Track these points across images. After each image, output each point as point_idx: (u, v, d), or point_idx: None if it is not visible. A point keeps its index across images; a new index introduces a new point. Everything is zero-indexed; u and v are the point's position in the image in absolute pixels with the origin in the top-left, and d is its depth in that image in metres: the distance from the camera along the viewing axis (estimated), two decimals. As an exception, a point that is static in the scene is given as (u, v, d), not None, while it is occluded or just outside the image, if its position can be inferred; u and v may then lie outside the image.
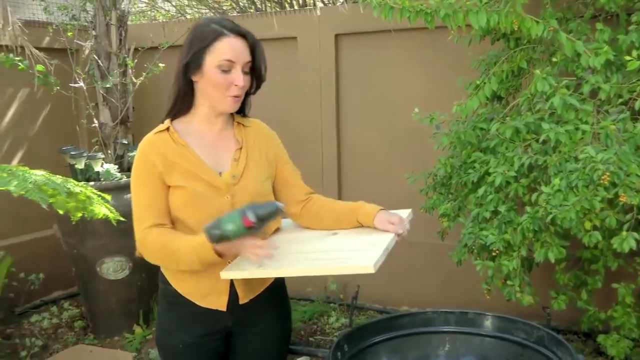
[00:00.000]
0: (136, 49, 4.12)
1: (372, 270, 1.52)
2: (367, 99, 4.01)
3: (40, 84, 3.68)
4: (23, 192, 2.37)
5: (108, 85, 3.92)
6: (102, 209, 2.76)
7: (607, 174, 2.00)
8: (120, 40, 4.01)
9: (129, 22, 4.18)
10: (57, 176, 2.65)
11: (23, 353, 3.54)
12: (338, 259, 1.68)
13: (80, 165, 3.70)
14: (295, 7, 5.85)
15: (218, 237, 1.58)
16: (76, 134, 4.38)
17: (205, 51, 1.71)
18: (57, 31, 4.11)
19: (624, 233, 2.07)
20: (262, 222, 1.58)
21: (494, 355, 2.05)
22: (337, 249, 1.75)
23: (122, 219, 2.83)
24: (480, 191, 2.48)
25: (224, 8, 6.46)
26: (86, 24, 4.14)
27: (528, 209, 2.29)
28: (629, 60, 2.22)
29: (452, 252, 2.73)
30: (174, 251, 1.69)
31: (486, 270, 2.46)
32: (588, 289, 2.76)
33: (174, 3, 6.84)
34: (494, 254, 2.44)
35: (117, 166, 3.86)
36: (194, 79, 1.76)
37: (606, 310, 2.74)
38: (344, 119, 4.10)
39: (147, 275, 3.71)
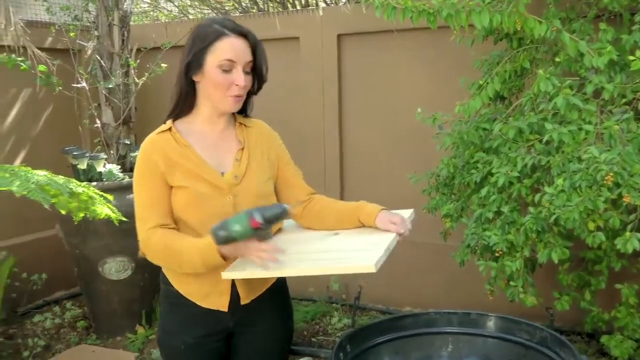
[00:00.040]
0: (138, 50, 4.12)
1: (373, 270, 1.51)
2: (369, 99, 4.00)
3: (42, 84, 3.68)
4: (25, 192, 2.37)
5: (110, 86, 3.92)
6: (104, 209, 2.76)
7: (611, 174, 1.99)
8: (123, 40, 4.01)
9: (131, 23, 4.18)
10: (60, 176, 2.65)
11: (25, 353, 3.55)
12: (339, 258, 1.67)
13: (82, 165, 3.71)
14: (298, 7, 5.86)
15: (224, 239, 1.57)
16: (79, 134, 4.38)
17: (206, 51, 1.71)
18: (60, 31, 4.11)
19: (628, 234, 2.06)
20: (268, 223, 1.57)
21: (496, 356, 2.04)
22: (339, 248, 1.75)
23: (124, 219, 2.84)
24: (483, 191, 2.47)
25: (227, 8, 6.47)
26: (89, 24, 4.15)
27: (531, 209, 2.28)
28: (633, 60, 2.21)
29: (455, 253, 2.72)
30: (178, 253, 1.68)
31: (489, 271, 2.46)
32: (591, 290, 2.75)
33: (176, 3, 6.85)
34: (497, 254, 2.44)
35: (119, 166, 3.86)
36: (196, 79, 1.76)
37: (610, 310, 2.73)
38: (347, 119, 4.10)
39: (150, 276, 3.71)
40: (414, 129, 3.34)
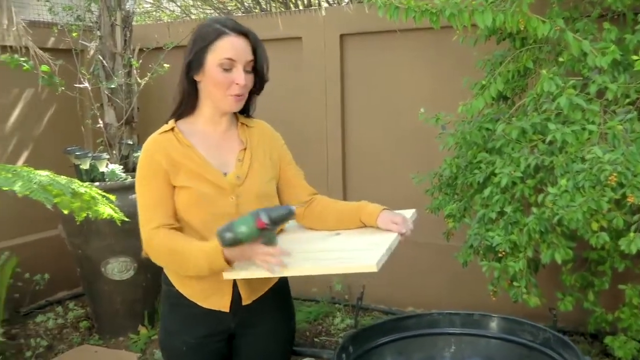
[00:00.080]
0: (141, 50, 4.12)
1: (374, 270, 1.51)
2: (372, 99, 4.00)
3: (44, 84, 3.68)
4: (28, 193, 2.37)
5: (113, 86, 3.92)
6: (107, 209, 2.76)
7: (615, 174, 1.98)
8: (125, 40, 4.01)
9: (133, 23, 4.18)
10: (62, 177, 2.65)
11: (28, 353, 3.55)
12: (341, 258, 1.67)
13: (85, 165, 3.71)
14: (300, 7, 5.85)
15: (231, 240, 1.56)
16: (81, 135, 4.39)
17: (207, 50, 1.71)
18: (62, 32, 4.11)
19: (632, 234, 2.05)
20: (274, 224, 1.56)
21: (499, 357, 2.04)
22: (340, 248, 1.74)
23: (126, 219, 2.83)
24: (486, 192, 2.47)
25: (229, 8, 6.46)
26: (91, 24, 4.15)
27: (534, 209, 2.27)
28: (636, 60, 2.20)
29: (457, 253, 2.72)
30: (182, 255, 1.67)
31: (492, 272, 2.45)
32: (595, 290, 2.74)
33: (178, 3, 6.85)
34: (500, 255, 2.43)
35: (122, 166, 3.86)
36: (197, 78, 1.76)
37: (613, 311, 2.72)
38: (349, 119, 4.09)
39: (152, 276, 3.71)
40: (416, 129, 3.33)
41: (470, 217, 2.70)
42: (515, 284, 2.43)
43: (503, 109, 2.80)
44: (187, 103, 1.80)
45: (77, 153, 3.75)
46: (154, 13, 7.22)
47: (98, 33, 3.99)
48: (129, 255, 3.66)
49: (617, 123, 2.16)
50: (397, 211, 1.83)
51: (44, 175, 2.55)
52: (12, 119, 4.25)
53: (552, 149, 2.34)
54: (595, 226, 2.16)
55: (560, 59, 2.49)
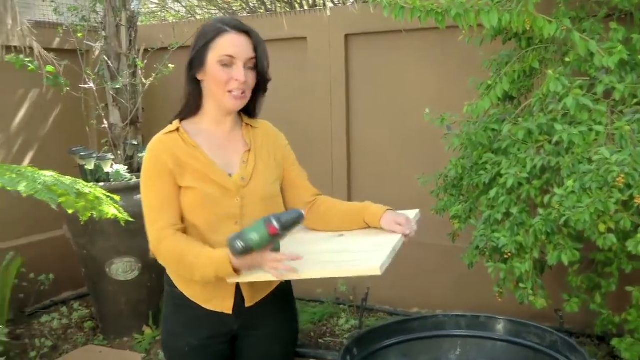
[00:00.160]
0: (146, 50, 4.12)
1: (378, 272, 1.50)
2: (377, 100, 3.99)
3: (49, 84, 3.68)
4: (32, 193, 2.37)
5: (118, 86, 3.92)
6: (111, 209, 2.75)
7: (622, 175, 1.97)
8: (130, 41, 4.01)
9: (138, 23, 4.19)
10: (66, 177, 2.65)
11: (33, 353, 3.55)
12: (344, 261, 1.66)
13: (90, 166, 3.71)
14: (305, 7, 5.85)
15: (242, 250, 1.54)
16: (86, 135, 4.39)
17: (208, 48, 1.72)
18: (67, 32, 4.12)
19: (639, 235, 2.03)
20: (285, 229, 1.55)
21: (506, 359, 2.03)
22: (344, 250, 1.74)
23: (131, 219, 2.83)
24: (492, 193, 2.45)
25: (234, 8, 6.46)
26: (96, 25, 4.15)
27: (540, 210, 2.26)
28: (644, 60, 2.19)
29: (463, 254, 2.70)
30: (190, 262, 1.66)
31: (498, 273, 2.43)
32: (602, 292, 2.72)
33: (184, 4, 6.85)
34: (506, 256, 2.41)
35: (126, 167, 3.86)
36: (199, 77, 1.77)
37: (620, 313, 2.70)
38: (354, 119, 4.09)
39: (157, 277, 3.71)
40: (422, 129, 3.31)
41: (476, 218, 2.69)
42: (521, 285, 2.41)
43: (509, 110, 2.78)
44: (192, 103, 1.80)
45: (82, 153, 3.75)
46: (159, 13, 7.23)
47: (103, 33, 3.99)
48: (133, 255, 3.66)
49: (625, 124, 2.14)
50: (400, 212, 1.82)
51: (48, 175, 2.55)
52: (17, 120, 4.26)
53: (559, 149, 2.32)
54: (602, 227, 2.14)
55: (567, 59, 2.48)
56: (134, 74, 4.02)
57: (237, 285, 1.77)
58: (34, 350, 3.59)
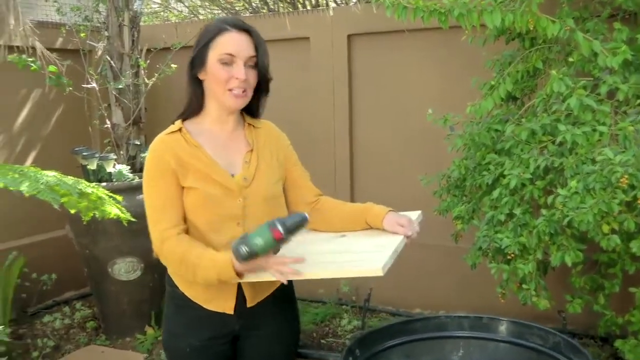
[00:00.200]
0: (149, 50, 4.12)
1: (380, 274, 1.49)
2: (380, 100, 3.98)
3: (52, 84, 3.69)
4: (35, 193, 2.37)
5: (120, 86, 3.92)
6: (114, 209, 2.76)
7: (626, 176, 1.96)
8: (133, 41, 4.01)
9: (141, 23, 4.18)
10: (69, 177, 2.65)
11: (35, 353, 3.55)
12: (346, 261, 1.66)
13: (92, 166, 3.71)
14: (308, 8, 5.84)
15: (247, 255, 1.53)
16: (89, 135, 4.39)
17: (208, 47, 1.72)
18: (70, 32, 4.12)
19: (643, 237, 2.03)
20: (290, 233, 1.54)
21: (508, 360, 2.02)
22: (346, 250, 1.73)
23: (133, 219, 2.83)
24: (495, 193, 2.45)
25: (237, 8, 6.46)
26: (99, 24, 4.15)
27: (544, 211, 2.25)
28: (648, 60, 2.18)
29: (466, 255, 2.70)
30: (193, 265, 1.65)
31: (501, 274, 2.42)
32: (605, 293, 2.71)
33: (186, 4, 6.85)
34: (509, 257, 2.41)
35: (129, 167, 3.86)
36: (200, 76, 1.77)
37: (623, 314, 2.69)
38: (357, 119, 4.08)
39: (159, 277, 3.70)
40: (424, 129, 3.31)
41: (479, 219, 2.68)
42: (524, 286, 2.40)
43: (512, 110, 2.78)
44: (194, 103, 1.80)
45: (85, 153, 3.75)
46: (162, 13, 7.23)
47: (106, 33, 3.99)
48: (136, 255, 3.66)
49: (629, 124, 2.13)
50: (402, 213, 1.81)
51: (50, 175, 2.55)
52: (19, 119, 4.26)
53: (562, 150, 2.32)
54: (606, 228, 2.13)
55: (570, 59, 2.47)
56: (136, 74, 4.02)
57: (239, 286, 1.77)
58: (36, 350, 3.59)
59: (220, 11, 6.49)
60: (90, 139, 4.44)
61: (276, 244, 1.53)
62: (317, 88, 4.12)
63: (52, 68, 3.61)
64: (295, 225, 1.54)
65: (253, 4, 6.28)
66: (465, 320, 2.09)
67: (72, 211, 2.69)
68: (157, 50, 4.15)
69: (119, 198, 2.88)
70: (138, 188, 3.40)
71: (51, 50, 3.80)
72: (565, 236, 2.29)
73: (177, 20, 6.42)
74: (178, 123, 1.80)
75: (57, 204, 2.40)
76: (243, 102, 1.77)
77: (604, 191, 2.02)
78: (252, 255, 1.53)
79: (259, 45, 1.75)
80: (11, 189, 2.37)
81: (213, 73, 1.72)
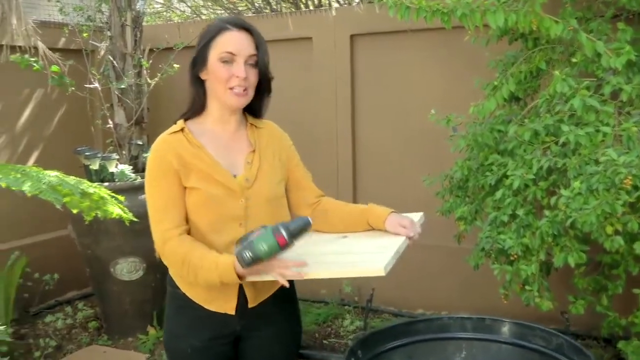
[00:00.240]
0: (151, 50, 4.12)
1: (382, 273, 1.49)
2: (382, 100, 3.98)
3: (54, 84, 3.69)
4: (37, 193, 2.37)
5: (123, 86, 3.92)
6: (116, 209, 2.76)
7: (629, 177, 1.95)
8: (136, 41, 4.01)
9: (144, 23, 4.18)
10: (71, 177, 2.65)
11: (37, 353, 3.55)
12: (348, 262, 1.66)
13: (94, 166, 3.71)
14: (311, 8, 5.84)
15: (251, 260, 1.52)
16: (91, 135, 4.39)
17: (209, 46, 1.73)
18: (73, 32, 4.12)
19: (647, 238, 2.02)
20: (293, 238, 1.54)
21: (511, 362, 2.01)
22: (347, 251, 1.73)
23: (135, 219, 2.83)
24: (498, 194, 2.44)
25: (239, 9, 6.47)
26: (101, 25, 4.15)
27: (547, 212, 2.24)
28: (652, 61, 2.17)
29: (469, 256, 2.69)
30: (195, 266, 1.65)
31: (504, 275, 2.42)
32: (608, 294, 2.70)
33: (189, 4, 6.86)
34: (512, 258, 2.40)
35: (131, 167, 3.86)
36: (202, 76, 1.76)
37: (627, 315, 2.68)
38: (359, 119, 4.07)
39: (161, 277, 3.68)
40: (427, 129, 3.30)
41: (481, 220, 2.67)
42: (527, 287, 2.39)
43: (515, 110, 2.77)
44: (197, 103, 1.80)
45: (87, 153, 3.75)
46: (165, 13, 7.24)
47: (108, 33, 3.99)
48: (138, 255, 3.66)
49: (632, 125, 2.12)
50: (404, 214, 1.81)
51: (53, 175, 2.55)
52: (22, 119, 4.26)
53: (565, 150, 2.31)
54: (609, 229, 2.12)
55: (574, 60, 2.46)
56: (139, 74, 4.02)
57: (240, 286, 1.76)
58: (38, 350, 3.59)
59: (222, 11, 6.49)
60: (93, 139, 4.44)
61: (280, 249, 1.52)
62: (320, 88, 4.12)
63: (54, 68, 3.61)
64: (299, 230, 1.54)
65: (256, 4, 6.28)
66: (468, 322, 2.08)
67: (75, 211, 2.69)
68: (160, 50, 4.15)
69: (121, 198, 2.88)
70: (140, 188, 3.40)
71: (54, 50, 3.80)
72: (569, 237, 2.28)
73: (179, 20, 6.42)
74: (180, 123, 1.80)
75: (59, 204, 2.40)
76: (245, 101, 1.77)
77: (608, 192, 2.01)
78: (255, 260, 1.53)
79: (259, 44, 1.75)
80: (13, 188, 2.37)
81: (214, 72, 1.72)
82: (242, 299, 1.78)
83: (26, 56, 3.50)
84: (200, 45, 1.74)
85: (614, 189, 2.00)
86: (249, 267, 1.54)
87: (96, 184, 2.94)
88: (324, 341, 3.64)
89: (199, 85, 1.78)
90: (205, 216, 1.72)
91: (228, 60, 1.71)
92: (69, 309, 4.18)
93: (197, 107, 1.80)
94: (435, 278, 3.84)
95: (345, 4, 5.93)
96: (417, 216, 1.86)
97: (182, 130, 1.78)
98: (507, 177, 2.40)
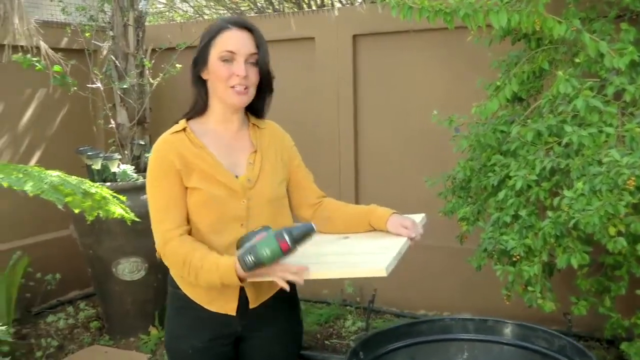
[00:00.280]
0: (153, 50, 4.12)
1: (384, 274, 1.49)
2: (385, 100, 3.97)
3: (56, 84, 3.69)
4: (39, 192, 2.37)
5: (125, 86, 3.92)
6: (118, 209, 2.75)
7: (633, 178, 1.94)
8: (138, 41, 4.01)
9: (146, 23, 4.18)
10: (73, 177, 2.65)
11: (39, 353, 3.55)
12: (350, 262, 1.66)
13: (96, 165, 3.71)
14: (313, 8, 5.84)
15: (253, 264, 1.52)
16: (93, 135, 4.39)
17: (210, 45, 1.73)
18: (75, 32, 4.12)
19: (650, 239, 2.01)
20: (296, 243, 1.53)
21: (513, 364, 2.01)
22: (349, 252, 1.73)
23: (137, 219, 2.83)
24: (501, 195, 2.43)
25: (242, 9, 6.47)
26: (104, 24, 4.16)
27: (550, 213, 2.23)
28: (655, 61, 2.16)
29: (471, 257, 2.68)
30: (196, 267, 1.65)
31: (506, 276, 2.41)
32: (611, 296, 2.69)
33: (191, 4, 6.86)
34: (514, 259, 2.39)
35: (133, 167, 3.86)
36: (204, 76, 1.77)
37: (630, 317, 2.67)
38: (362, 119, 4.07)
39: (163, 277, 3.64)
40: (429, 130, 3.30)
41: (484, 221, 2.67)
42: (529, 288, 2.38)
43: (518, 111, 2.76)
44: (199, 103, 1.80)
45: (89, 153, 3.75)
46: (167, 13, 7.24)
47: (111, 33, 3.99)
48: (139, 255, 3.66)
49: (635, 125, 2.11)
50: (406, 215, 1.81)
51: (55, 175, 2.55)
52: (24, 119, 4.26)
53: (568, 151, 2.30)
54: (612, 230, 2.11)
55: (577, 60, 2.45)
56: (141, 74, 4.02)
57: (241, 287, 1.75)
58: (40, 350, 3.59)
59: (225, 11, 6.49)
60: (95, 138, 4.44)
61: (283, 254, 1.52)
62: (322, 88, 4.11)
63: (56, 68, 3.62)
64: (302, 236, 1.54)
65: (258, 4, 6.28)
66: (470, 323, 2.07)
67: (76, 211, 2.69)
68: (162, 50, 4.15)
69: (123, 198, 2.88)
70: (142, 188, 3.39)
71: (56, 50, 3.80)
72: (571, 238, 2.27)
73: (182, 20, 6.42)
74: (182, 122, 1.80)
75: (61, 204, 2.40)
76: (246, 99, 1.77)
77: (611, 193, 2.01)
78: (258, 265, 1.53)
79: (260, 43, 1.75)
80: (15, 188, 2.37)
81: (214, 71, 1.72)
82: (243, 299, 1.77)
83: (28, 56, 3.50)
84: (201, 45, 1.75)
85: (617, 190, 2.00)
86: (251, 271, 1.54)
87: (98, 183, 2.94)
88: (326, 342, 3.63)
89: (201, 85, 1.78)
90: (206, 216, 1.72)
91: (228, 59, 1.71)
92: (70, 309, 4.19)
93: (199, 106, 1.80)
94: (438, 279, 3.84)
95: (348, 4, 5.93)
96: (419, 217, 1.85)
97: (184, 130, 1.78)
98: (509, 177, 2.40)
